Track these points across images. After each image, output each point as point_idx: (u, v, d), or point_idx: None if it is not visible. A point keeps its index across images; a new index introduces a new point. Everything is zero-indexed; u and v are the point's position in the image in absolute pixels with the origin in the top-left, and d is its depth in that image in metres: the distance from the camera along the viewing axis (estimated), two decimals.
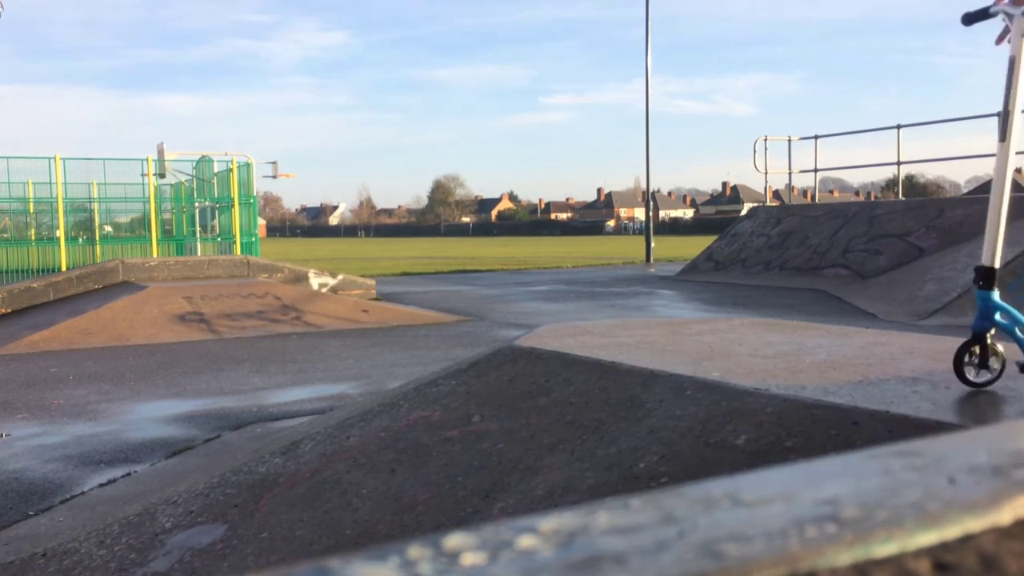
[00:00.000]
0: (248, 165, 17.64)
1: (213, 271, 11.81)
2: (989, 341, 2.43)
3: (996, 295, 2.47)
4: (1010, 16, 2.64)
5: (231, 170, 17.46)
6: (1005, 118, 2.58)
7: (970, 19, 2.80)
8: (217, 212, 18.95)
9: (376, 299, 12.19)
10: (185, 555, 2.85)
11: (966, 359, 2.44)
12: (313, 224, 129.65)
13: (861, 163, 54.07)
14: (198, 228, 19.19)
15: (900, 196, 17.06)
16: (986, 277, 2.45)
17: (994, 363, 2.43)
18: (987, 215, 2.49)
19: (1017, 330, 2.42)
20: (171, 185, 20.42)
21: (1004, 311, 2.42)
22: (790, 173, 17.71)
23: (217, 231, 18.85)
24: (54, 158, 17.12)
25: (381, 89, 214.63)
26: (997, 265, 2.39)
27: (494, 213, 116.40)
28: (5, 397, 6.10)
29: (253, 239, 17.61)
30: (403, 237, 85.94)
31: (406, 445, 3.08)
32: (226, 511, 3.08)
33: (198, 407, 5.66)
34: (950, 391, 2.40)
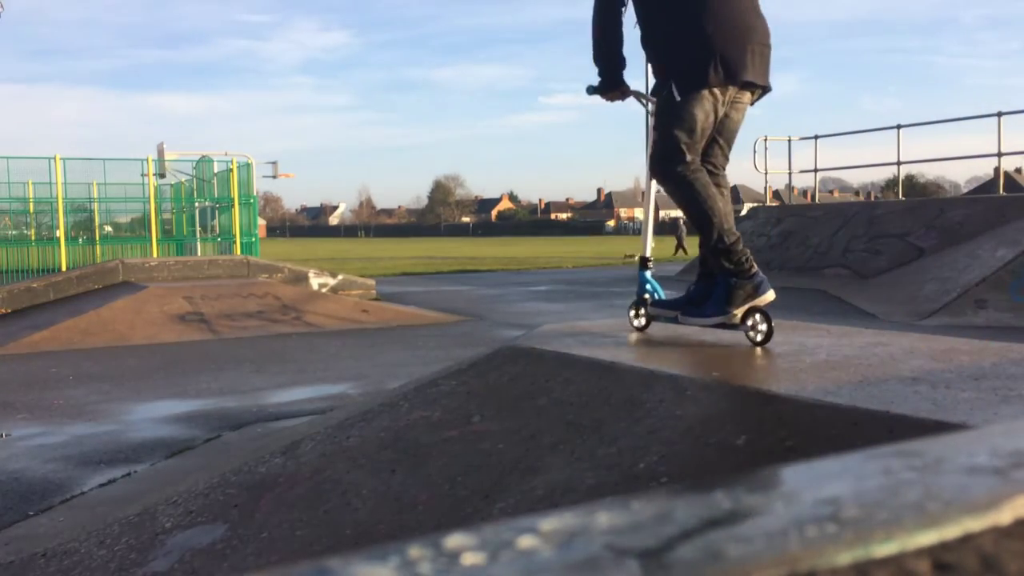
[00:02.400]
0: (248, 165, 17.64)
1: (213, 271, 11.81)
2: (646, 303, 3.71)
3: (648, 274, 3.77)
4: (644, 100, 3.69)
5: (231, 170, 17.46)
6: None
7: (594, 91, 3.63)
8: (217, 212, 18.95)
9: (376, 299, 12.19)
10: (185, 555, 2.85)
11: (632, 313, 3.76)
12: (313, 224, 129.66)
13: (861, 163, 54.01)
14: (198, 228, 19.19)
15: (900, 196, 17.07)
16: (642, 262, 3.81)
17: (643, 317, 3.70)
18: (642, 223, 3.84)
19: (656, 295, 3.73)
20: (171, 185, 20.42)
21: (651, 284, 3.74)
22: (790, 173, 17.71)
23: (217, 231, 18.86)
24: (54, 158, 17.11)
25: (381, 89, 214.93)
26: (648, 255, 3.84)
27: (494, 213, 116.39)
28: (5, 397, 6.10)
29: (253, 239, 17.61)
30: (403, 237, 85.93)
31: (406, 445, 3.08)
32: (226, 511, 3.09)
33: (198, 407, 5.66)
34: (950, 391, 2.40)
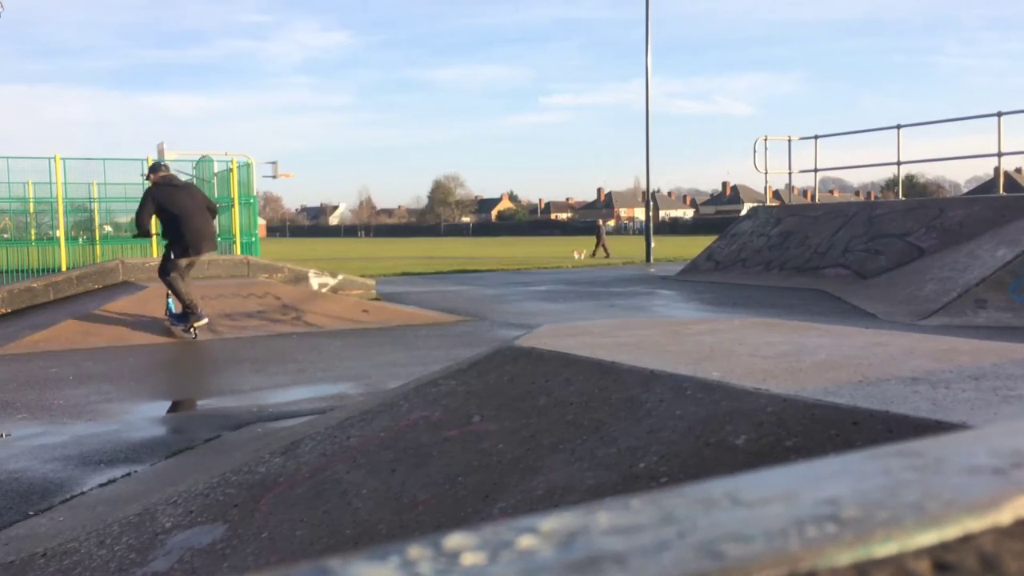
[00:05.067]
0: (248, 165, 17.62)
1: (213, 271, 11.80)
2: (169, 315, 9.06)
3: (170, 301, 9.05)
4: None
5: (231, 170, 17.45)
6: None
7: (136, 236, 9.67)
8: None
9: (376, 299, 12.19)
10: (185, 555, 2.85)
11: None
12: (313, 224, 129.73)
13: (861, 163, 54.10)
14: None
15: (900, 196, 17.07)
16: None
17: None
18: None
19: (171, 312, 9.00)
20: None
21: (170, 306, 9.05)
22: (790, 173, 17.71)
23: (217, 231, 18.83)
24: (54, 158, 17.11)
25: (381, 89, 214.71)
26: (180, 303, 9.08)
27: (494, 213, 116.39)
28: (5, 397, 6.10)
29: (253, 239, 17.60)
30: (403, 237, 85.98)
31: (406, 445, 3.08)
32: (226, 511, 3.09)
33: (198, 407, 5.66)
34: (950, 391, 2.40)
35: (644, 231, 26.65)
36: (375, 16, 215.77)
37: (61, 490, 3.96)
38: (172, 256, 8.52)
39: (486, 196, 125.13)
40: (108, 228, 20.29)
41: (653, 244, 25.03)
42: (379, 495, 2.82)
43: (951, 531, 0.47)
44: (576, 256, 28.16)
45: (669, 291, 14.19)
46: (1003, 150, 13.90)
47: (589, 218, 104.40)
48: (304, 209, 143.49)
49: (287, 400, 5.85)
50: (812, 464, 0.60)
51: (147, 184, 8.84)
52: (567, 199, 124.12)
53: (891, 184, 70.39)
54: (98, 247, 18.89)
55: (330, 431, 3.51)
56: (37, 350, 8.27)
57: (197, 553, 2.85)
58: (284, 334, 9.17)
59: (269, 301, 10.16)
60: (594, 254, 28.85)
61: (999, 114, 13.55)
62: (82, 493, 3.93)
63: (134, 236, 9.31)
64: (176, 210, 8.41)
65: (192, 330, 8.67)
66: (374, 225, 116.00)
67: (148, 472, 4.23)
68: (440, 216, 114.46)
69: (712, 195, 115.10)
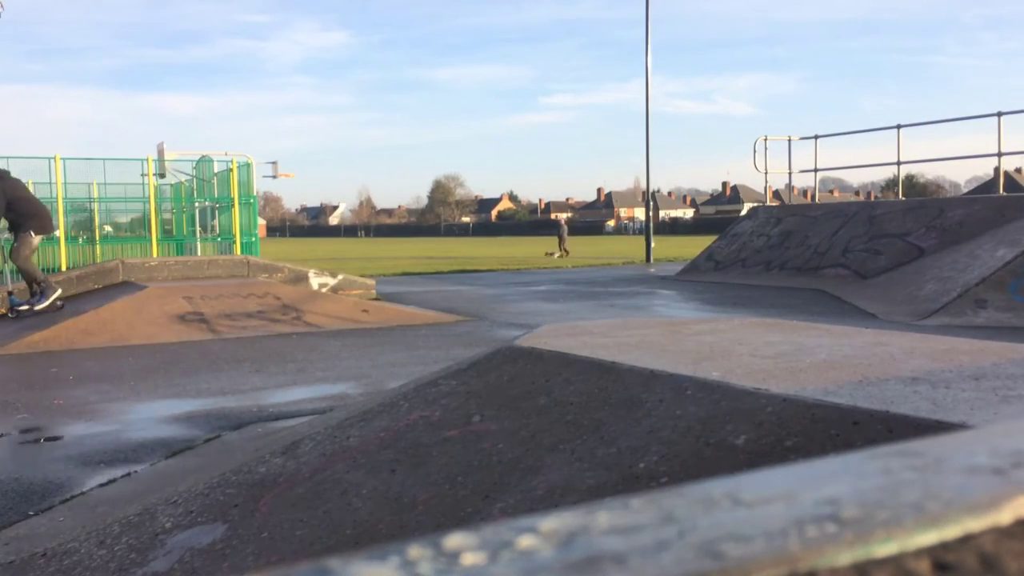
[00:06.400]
0: (248, 165, 17.62)
1: (213, 271, 11.80)
2: (13, 305, 9.84)
3: (14, 297, 9.84)
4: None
5: (231, 170, 17.44)
6: None
7: None
8: (217, 212, 18.93)
9: (376, 299, 12.19)
10: (185, 555, 2.85)
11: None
12: (313, 224, 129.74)
13: (861, 163, 54.14)
14: (198, 228, 19.18)
15: (900, 196, 17.07)
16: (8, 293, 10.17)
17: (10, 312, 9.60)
18: None
19: (13, 301, 9.76)
20: (171, 185, 20.41)
21: (13, 299, 9.83)
22: (790, 173, 17.71)
23: (217, 231, 18.84)
24: (54, 158, 17.11)
25: (381, 89, 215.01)
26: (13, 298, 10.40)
27: (494, 213, 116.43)
28: (5, 397, 6.10)
29: (253, 239, 17.59)
30: (403, 237, 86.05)
31: (406, 445, 3.08)
32: (226, 511, 3.09)
33: (198, 407, 5.66)
34: (950, 391, 2.40)
35: (644, 231, 26.66)
36: (375, 16, 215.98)
37: (61, 490, 3.96)
38: (31, 235, 9.67)
39: (486, 196, 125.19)
40: (108, 228, 20.30)
41: (653, 244, 25.03)
42: (379, 495, 2.82)
43: (951, 531, 0.47)
44: (555, 256, 28.52)
45: (669, 291, 14.19)
46: (1003, 150, 13.90)
47: (589, 218, 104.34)
48: (304, 209, 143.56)
49: (287, 400, 5.85)
50: (812, 464, 0.60)
51: None
52: (567, 199, 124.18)
53: (891, 184, 70.42)
54: (98, 247, 18.91)
55: (330, 431, 3.50)
56: (37, 350, 8.26)
57: (197, 553, 2.85)
58: (284, 334, 9.17)
59: (269, 301, 10.16)
60: (567, 253, 29.18)
61: (999, 114, 13.55)
62: (82, 493, 3.92)
63: None
64: (23, 195, 9.90)
65: (57, 301, 9.81)
66: (374, 225, 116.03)
67: (148, 472, 4.23)
68: (440, 216, 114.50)
69: (712, 195, 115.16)
